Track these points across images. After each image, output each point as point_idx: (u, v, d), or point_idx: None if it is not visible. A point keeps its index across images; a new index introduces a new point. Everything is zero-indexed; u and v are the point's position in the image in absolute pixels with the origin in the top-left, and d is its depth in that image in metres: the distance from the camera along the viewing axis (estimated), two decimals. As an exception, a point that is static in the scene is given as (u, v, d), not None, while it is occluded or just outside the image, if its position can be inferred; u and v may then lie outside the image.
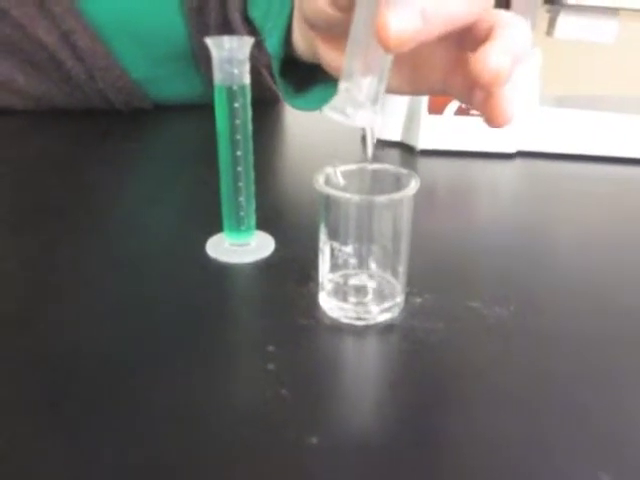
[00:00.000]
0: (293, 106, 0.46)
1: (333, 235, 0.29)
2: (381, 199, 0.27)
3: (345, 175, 0.30)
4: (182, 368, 0.27)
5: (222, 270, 0.35)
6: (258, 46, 0.41)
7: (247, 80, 0.33)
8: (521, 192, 0.51)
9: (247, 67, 0.33)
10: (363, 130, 0.29)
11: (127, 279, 0.34)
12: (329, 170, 0.30)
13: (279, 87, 0.50)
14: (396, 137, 0.58)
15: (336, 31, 0.30)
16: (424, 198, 0.45)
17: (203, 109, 0.66)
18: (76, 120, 0.64)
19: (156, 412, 0.24)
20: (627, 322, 0.31)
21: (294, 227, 0.40)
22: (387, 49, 0.24)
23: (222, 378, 0.26)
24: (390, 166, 0.30)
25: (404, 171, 0.30)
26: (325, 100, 0.55)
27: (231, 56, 0.32)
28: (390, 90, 0.32)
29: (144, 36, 0.62)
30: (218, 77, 0.32)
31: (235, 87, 0.32)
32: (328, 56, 0.33)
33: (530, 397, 0.26)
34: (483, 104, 0.27)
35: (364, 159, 0.30)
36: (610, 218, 0.45)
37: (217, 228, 0.37)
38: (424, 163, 0.54)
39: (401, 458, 0.22)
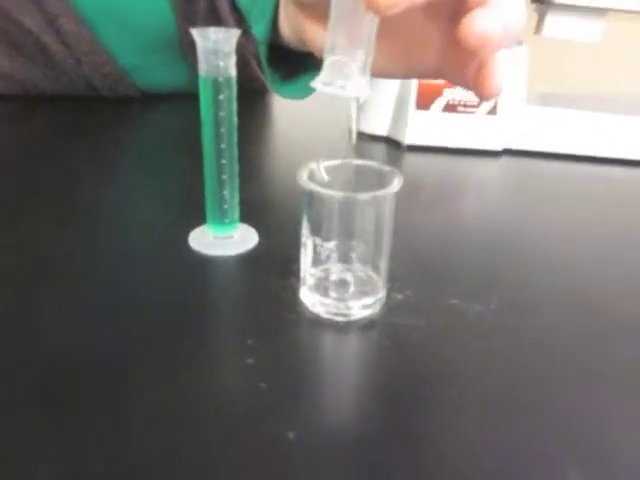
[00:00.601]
0: (280, 94, 0.45)
1: (315, 231, 0.29)
2: (364, 196, 0.27)
3: (329, 171, 0.30)
4: (162, 362, 0.27)
5: (205, 263, 0.35)
6: (245, 34, 0.41)
7: (233, 72, 0.33)
8: (507, 190, 0.51)
9: (233, 59, 0.32)
10: (349, 117, 0.29)
11: (109, 271, 0.34)
12: (313, 165, 0.30)
13: (266, 74, 0.50)
14: (383, 132, 0.58)
15: (323, 9, 0.30)
16: (409, 194, 0.45)
17: (189, 98, 0.65)
18: (62, 107, 0.63)
19: (135, 406, 0.24)
20: (609, 318, 0.32)
21: (278, 220, 0.40)
22: (377, 11, 0.24)
23: (202, 372, 0.26)
24: (374, 163, 0.30)
25: (388, 168, 0.30)
26: (312, 89, 0.55)
27: (217, 48, 0.31)
28: (383, 72, 0.32)
29: (131, 23, 0.61)
30: (203, 68, 0.32)
31: (220, 79, 0.32)
32: (316, 36, 0.33)
33: (511, 395, 0.26)
34: (474, 77, 0.28)
35: (349, 153, 0.30)
36: (594, 216, 0.45)
37: (200, 221, 0.37)
38: (410, 159, 0.54)
39: (379, 454, 0.23)
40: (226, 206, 0.35)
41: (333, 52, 0.26)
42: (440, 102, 0.54)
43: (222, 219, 0.36)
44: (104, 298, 0.31)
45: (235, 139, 0.34)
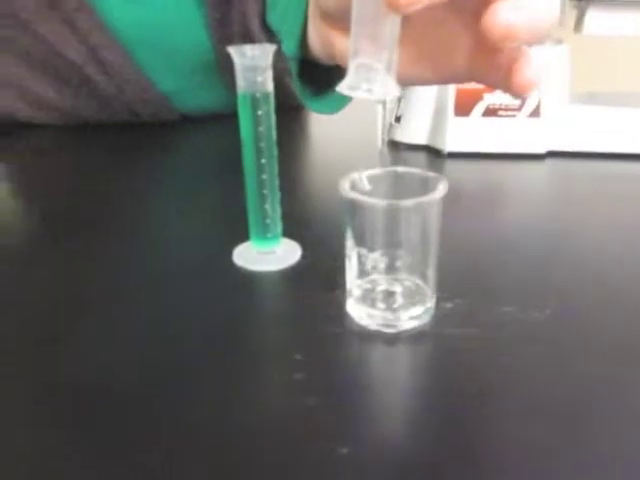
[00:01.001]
0: (312, 109, 0.45)
1: (360, 241, 0.29)
2: (408, 203, 0.27)
3: (371, 180, 0.30)
4: (209, 379, 0.27)
5: (249, 278, 0.35)
6: (278, 51, 0.41)
7: (270, 87, 0.33)
8: (553, 193, 0.49)
9: (270, 74, 0.33)
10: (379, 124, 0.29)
11: (152, 290, 0.34)
12: (355, 175, 0.29)
13: (297, 90, 0.50)
14: (422, 140, 0.57)
15: (349, 20, 0.30)
16: (453, 201, 0.44)
17: (228, 119, 0.66)
18: (104, 134, 0.65)
19: (184, 424, 0.24)
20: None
21: (321, 234, 0.40)
22: (397, 10, 0.23)
23: (249, 388, 0.26)
24: (417, 169, 0.30)
25: (431, 174, 0.29)
26: (344, 103, 0.55)
27: (254, 64, 0.32)
28: (413, 79, 0.31)
29: (169, 49, 0.63)
30: (241, 85, 0.32)
31: (258, 95, 0.32)
32: (344, 48, 0.33)
33: (575, 404, 0.25)
34: (506, 75, 0.27)
35: (383, 160, 0.29)
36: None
37: (244, 237, 0.37)
38: (452, 166, 0.53)
39: (436, 470, 0.22)
40: (268, 221, 0.35)
41: (357, 56, 0.25)
42: (480, 107, 0.53)
43: (265, 234, 0.36)
44: (148, 316, 0.31)
45: (275, 153, 0.34)
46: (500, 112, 0.53)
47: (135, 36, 0.61)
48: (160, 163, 0.57)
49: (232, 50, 0.31)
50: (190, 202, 0.47)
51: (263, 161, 0.34)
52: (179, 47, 0.63)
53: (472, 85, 0.53)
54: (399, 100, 0.59)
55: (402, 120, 0.58)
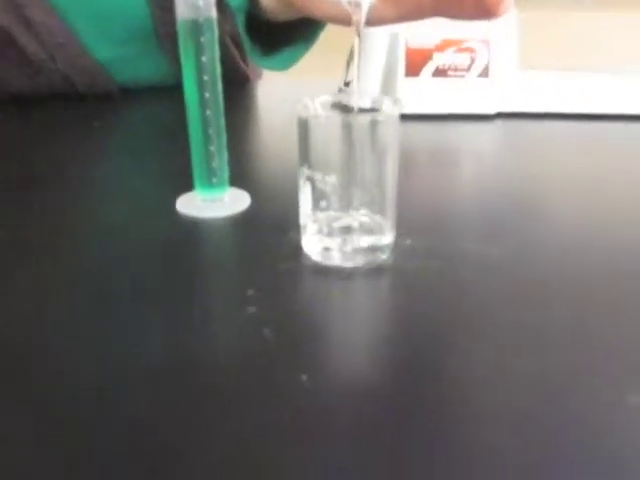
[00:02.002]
0: (261, 65, 0.43)
1: (314, 165, 0.26)
2: (363, 118, 0.25)
3: (324, 106, 0.28)
4: (161, 318, 0.24)
5: (194, 225, 0.32)
6: (221, 11, 0.39)
7: (213, 13, 0.30)
8: (504, 150, 0.49)
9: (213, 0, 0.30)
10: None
11: (95, 242, 0.31)
12: (307, 101, 0.27)
13: (245, 46, 0.48)
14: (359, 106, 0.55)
15: None
16: (405, 161, 0.43)
17: (168, 93, 0.63)
18: (40, 105, 0.61)
19: (137, 363, 0.21)
20: (626, 256, 0.30)
21: (269, 183, 0.38)
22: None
23: (201, 324, 0.24)
24: (372, 94, 0.28)
25: (387, 96, 0.27)
26: (294, 60, 0.53)
27: (194, -15, 0.29)
28: (379, 16, 0.30)
29: (105, 14, 0.59)
30: (182, 10, 0.30)
31: (201, 19, 0.30)
32: None
33: (535, 331, 0.23)
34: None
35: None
36: (593, 167, 0.43)
37: (188, 189, 0.34)
38: (402, 127, 0.52)
39: (397, 398, 0.20)
40: (214, 164, 0.33)
41: None
42: (430, 67, 0.52)
43: (210, 179, 0.33)
44: (88, 267, 0.28)
45: (220, 88, 0.32)
46: (449, 72, 0.52)
47: (66, -3, 0.57)
48: (101, 131, 0.53)
49: (170, -28, 0.29)
50: (132, 164, 0.44)
51: (207, 95, 0.31)
52: (115, 11, 0.59)
53: (421, 45, 0.52)
54: (347, 64, 0.57)
55: (351, 84, 0.56)
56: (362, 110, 0.28)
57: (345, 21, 0.35)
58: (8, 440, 0.18)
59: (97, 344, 0.22)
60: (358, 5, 0.26)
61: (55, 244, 0.30)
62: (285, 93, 0.66)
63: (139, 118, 0.58)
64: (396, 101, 0.26)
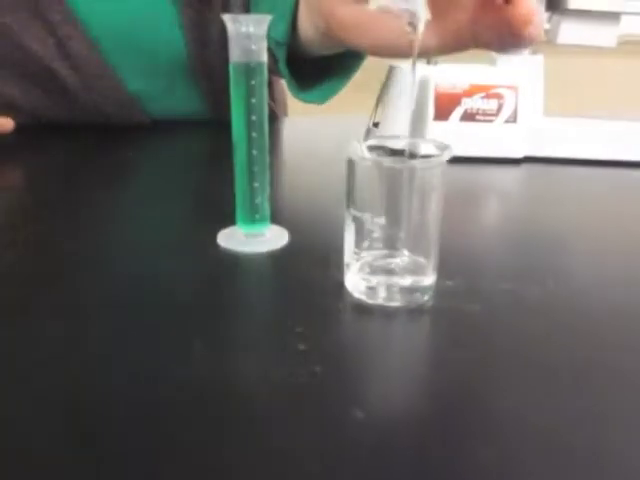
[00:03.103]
0: (299, 99, 0.45)
1: (361, 207, 0.27)
2: (413, 163, 0.26)
3: (371, 149, 0.29)
4: (208, 356, 0.24)
5: (237, 260, 0.33)
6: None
7: (264, 58, 0.32)
8: (532, 193, 0.49)
9: (264, 45, 0.31)
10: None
11: (142, 274, 0.32)
12: (355, 144, 0.28)
13: (285, 78, 0.49)
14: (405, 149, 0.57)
15: None
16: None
17: (201, 126, 0.65)
18: (73, 135, 0.62)
19: (187, 399, 0.22)
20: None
21: (309, 221, 0.39)
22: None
23: (253, 359, 0.24)
24: (423, 138, 0.29)
25: (437, 141, 0.28)
26: (333, 93, 0.54)
27: (249, 31, 0.30)
28: (420, 49, 0.31)
29: (141, 48, 0.61)
30: (235, 53, 0.31)
31: (252, 64, 0.31)
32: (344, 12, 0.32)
33: (582, 372, 0.24)
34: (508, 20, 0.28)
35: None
36: (618, 213, 0.44)
37: (231, 222, 0.35)
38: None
39: (451, 433, 0.20)
40: (257, 200, 0.34)
41: None
42: (458, 111, 0.53)
43: (253, 215, 0.34)
44: (139, 297, 0.29)
45: (266, 128, 0.33)
46: (478, 117, 0.53)
47: (104, 30, 0.58)
48: (135, 162, 0.55)
49: (226, 18, 0.30)
50: (168, 195, 0.45)
51: (254, 135, 0.32)
52: (151, 47, 0.61)
53: (451, 90, 0.53)
54: (376, 105, 0.59)
55: (380, 125, 0.57)
56: (408, 153, 0.29)
57: (391, 49, 0.36)
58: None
59: (139, 376, 0.23)
60: (414, 19, 0.28)
61: (92, 275, 0.31)
62: (312, 130, 0.68)
63: (171, 150, 0.60)
64: (445, 147, 0.27)
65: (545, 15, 0.52)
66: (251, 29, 0.30)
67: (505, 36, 0.29)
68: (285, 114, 0.80)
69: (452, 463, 0.19)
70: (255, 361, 0.24)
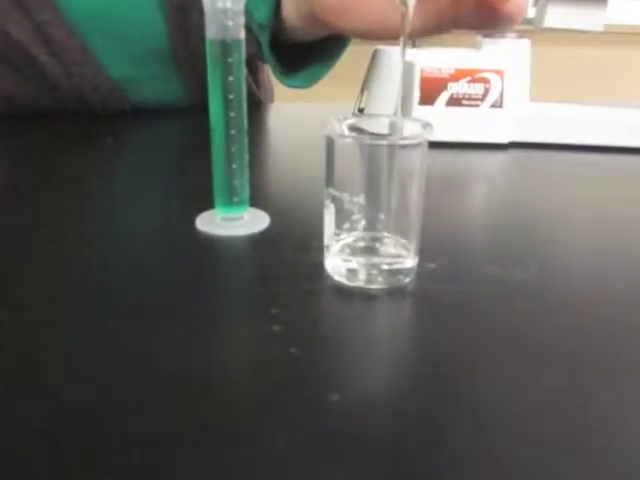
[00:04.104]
0: (284, 83, 0.44)
1: (341, 187, 0.26)
2: (393, 140, 0.25)
3: (351, 128, 0.28)
4: (182, 335, 0.24)
5: (214, 243, 0.32)
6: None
7: (242, 35, 0.31)
8: (517, 178, 0.49)
9: (242, 21, 0.31)
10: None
11: (118, 259, 0.31)
12: (334, 121, 0.28)
13: (269, 64, 0.48)
14: (386, 130, 0.56)
15: None
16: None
17: (182, 113, 0.63)
18: (52, 122, 0.61)
19: (156, 382, 0.21)
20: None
21: (290, 205, 0.38)
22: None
23: (225, 342, 0.23)
24: (403, 117, 0.28)
25: (418, 120, 0.27)
26: (317, 78, 0.53)
27: (225, 6, 0.30)
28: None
29: (122, 34, 0.60)
30: (211, 30, 0.30)
31: (229, 40, 0.30)
32: None
33: (566, 352, 0.23)
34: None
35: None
36: (604, 196, 0.43)
37: (207, 207, 0.34)
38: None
39: (427, 416, 0.20)
40: (235, 182, 0.33)
41: None
42: (444, 96, 0.52)
43: (231, 198, 0.33)
44: (108, 280, 0.28)
45: (245, 108, 0.32)
46: (464, 102, 0.53)
47: (85, 16, 0.57)
48: (115, 148, 0.54)
49: (202, -8, 0.29)
50: (147, 181, 0.44)
51: (232, 114, 0.31)
52: (133, 33, 0.60)
53: (436, 74, 0.53)
54: (361, 91, 0.58)
55: (365, 111, 0.57)
56: (388, 134, 0.28)
57: (375, 32, 0.35)
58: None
59: (117, 360, 0.22)
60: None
61: (71, 259, 0.30)
62: (298, 116, 0.67)
63: (151, 137, 0.58)
64: (426, 126, 0.26)
65: (531, -1, 0.52)
66: (228, 4, 0.30)
67: (484, 13, 0.29)
68: (271, 100, 0.79)
69: (430, 447, 0.18)
70: (229, 344, 0.23)
